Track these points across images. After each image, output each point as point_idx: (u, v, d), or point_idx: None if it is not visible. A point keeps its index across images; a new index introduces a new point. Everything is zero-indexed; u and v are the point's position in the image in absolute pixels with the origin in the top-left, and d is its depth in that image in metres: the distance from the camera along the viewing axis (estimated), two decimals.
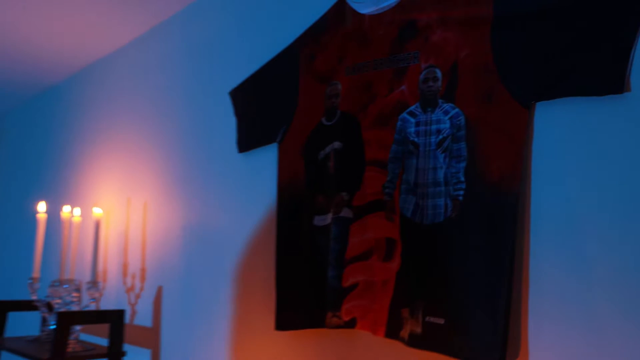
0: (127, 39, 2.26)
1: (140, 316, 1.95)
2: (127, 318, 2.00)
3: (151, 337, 1.87)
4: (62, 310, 1.81)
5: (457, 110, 1.10)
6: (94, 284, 1.84)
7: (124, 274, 2.03)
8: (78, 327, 1.86)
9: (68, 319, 1.66)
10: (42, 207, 2.04)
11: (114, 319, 1.75)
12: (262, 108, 1.56)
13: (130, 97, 2.21)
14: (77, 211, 2.02)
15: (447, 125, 1.11)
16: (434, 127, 1.13)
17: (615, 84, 0.91)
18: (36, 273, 1.95)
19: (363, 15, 1.29)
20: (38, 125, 2.99)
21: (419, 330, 1.09)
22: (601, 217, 0.93)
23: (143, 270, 1.95)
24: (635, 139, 0.90)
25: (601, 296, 0.92)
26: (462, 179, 1.08)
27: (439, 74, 1.14)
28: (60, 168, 2.64)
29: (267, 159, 1.52)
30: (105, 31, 2.20)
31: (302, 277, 1.34)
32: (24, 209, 2.92)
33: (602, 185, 0.93)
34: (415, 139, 1.16)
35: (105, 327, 1.91)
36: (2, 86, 2.86)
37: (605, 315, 0.91)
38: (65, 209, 1.95)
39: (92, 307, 1.91)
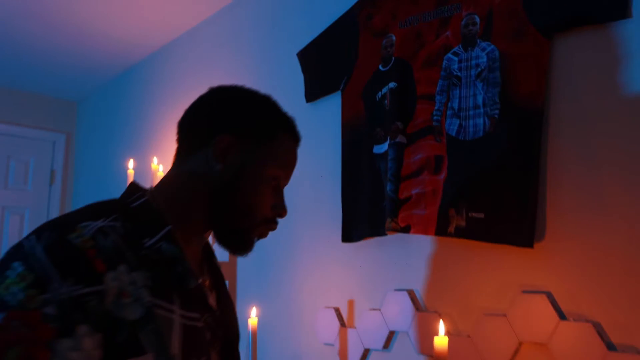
0: (201, 17, 2.57)
1: (217, 253, 2.25)
2: None
3: (228, 269, 2.17)
4: None
5: (492, 46, 1.36)
6: None
7: None
8: None
9: None
10: (131, 164, 2.37)
11: None
12: (327, 63, 1.84)
13: (207, 67, 2.52)
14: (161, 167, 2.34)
15: (485, 59, 1.37)
16: (473, 62, 1.39)
17: (620, 10, 1.16)
18: None
19: None
20: (124, 98, 3.34)
21: (463, 224, 1.35)
22: (609, 124, 1.17)
23: None
24: (634, 58, 1.15)
25: (609, 187, 1.16)
26: (497, 100, 1.33)
27: (477, 19, 1.40)
28: (145, 132, 2.98)
29: (331, 106, 1.80)
30: (181, 11, 2.52)
31: (364, 195, 1.61)
32: (115, 168, 3.25)
33: (609, 97, 1.18)
34: (459, 73, 1.42)
35: None
36: (97, 62, 3.20)
37: (612, 202, 1.15)
38: (154, 161, 2.27)
39: None
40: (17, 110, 3.51)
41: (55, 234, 0.76)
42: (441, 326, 1.18)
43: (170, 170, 0.95)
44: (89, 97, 3.69)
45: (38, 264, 0.72)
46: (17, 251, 0.75)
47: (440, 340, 1.09)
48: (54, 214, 3.55)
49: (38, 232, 0.77)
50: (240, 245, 0.94)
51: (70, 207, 3.67)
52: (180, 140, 0.95)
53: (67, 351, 0.70)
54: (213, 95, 0.95)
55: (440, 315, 1.39)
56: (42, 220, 3.48)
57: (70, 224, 0.78)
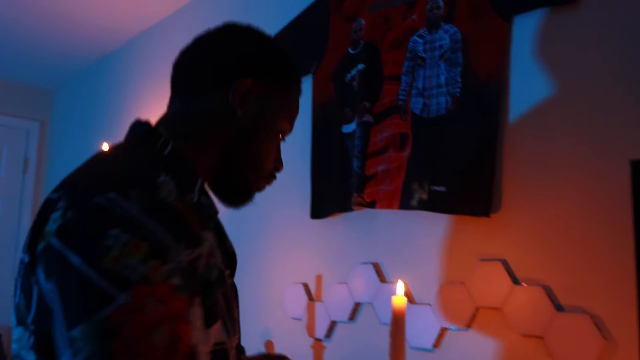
0: (178, 4, 2.60)
1: None
2: None
3: None
4: None
5: (455, 29, 1.43)
6: None
7: None
8: None
9: None
10: (106, 147, 2.39)
11: None
12: (298, 48, 1.89)
13: None
14: None
15: (447, 41, 1.44)
16: (437, 43, 1.46)
17: None
18: None
19: None
20: (101, 85, 3.35)
21: (425, 197, 1.41)
22: (563, 101, 1.25)
23: None
24: (585, 41, 1.22)
25: (560, 161, 1.23)
26: (459, 79, 1.40)
27: (441, 3, 1.47)
28: (122, 120, 2.99)
29: (302, 89, 1.85)
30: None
31: (332, 173, 1.67)
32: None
33: (563, 77, 1.25)
34: (423, 55, 1.49)
35: None
36: (73, 48, 3.21)
37: (562, 174, 1.22)
38: None
39: None
40: None
41: (147, 193, 0.65)
42: (400, 286, 1.23)
43: (174, 110, 0.86)
44: (64, 85, 3.68)
45: (146, 230, 0.61)
46: (106, 215, 0.61)
47: (398, 300, 1.15)
48: (28, 202, 3.54)
49: (118, 189, 0.63)
50: (242, 197, 0.89)
51: (44, 196, 3.65)
52: (186, 76, 0.87)
53: (197, 320, 0.64)
54: (233, 35, 0.87)
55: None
56: (16, 208, 3.46)
57: (146, 179, 0.68)
